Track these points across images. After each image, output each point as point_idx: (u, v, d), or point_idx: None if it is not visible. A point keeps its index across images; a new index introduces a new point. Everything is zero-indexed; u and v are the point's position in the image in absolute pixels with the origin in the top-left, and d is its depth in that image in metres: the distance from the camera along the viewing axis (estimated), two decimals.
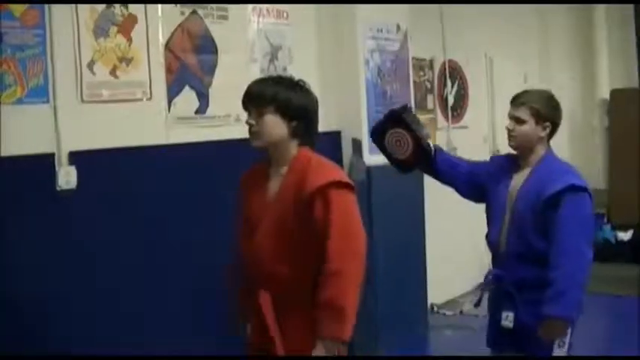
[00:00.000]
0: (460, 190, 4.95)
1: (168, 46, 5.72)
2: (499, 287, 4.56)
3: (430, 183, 7.98)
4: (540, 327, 4.29)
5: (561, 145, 11.58)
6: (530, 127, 4.46)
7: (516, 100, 4.54)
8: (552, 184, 4.32)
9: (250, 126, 3.79)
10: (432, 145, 4.81)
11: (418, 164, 4.90)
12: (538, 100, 4.51)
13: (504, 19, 10.01)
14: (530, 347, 4.46)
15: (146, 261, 5.43)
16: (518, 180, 4.52)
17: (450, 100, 9.16)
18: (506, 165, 4.67)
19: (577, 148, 11.95)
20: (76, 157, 5.04)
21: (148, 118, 5.58)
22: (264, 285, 3.81)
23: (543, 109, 4.48)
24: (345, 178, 3.77)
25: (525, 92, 4.60)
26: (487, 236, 4.69)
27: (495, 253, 4.63)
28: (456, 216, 8.70)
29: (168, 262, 5.56)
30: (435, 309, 8.56)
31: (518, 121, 4.47)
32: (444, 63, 9.05)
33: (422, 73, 8.71)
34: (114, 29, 5.34)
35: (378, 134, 4.91)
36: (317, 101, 3.94)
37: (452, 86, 9.21)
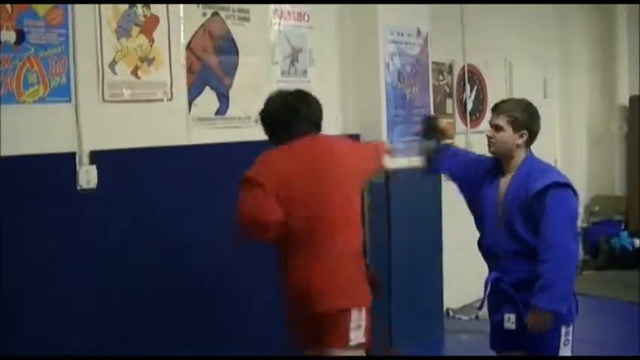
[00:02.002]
0: (455, 179, 5.15)
1: (189, 47, 5.74)
2: (498, 290, 4.65)
3: (448, 187, 8.00)
4: (528, 318, 4.42)
5: (580, 151, 11.63)
6: (507, 134, 4.62)
7: (496, 109, 4.72)
8: (536, 182, 4.48)
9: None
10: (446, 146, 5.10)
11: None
12: (516, 109, 4.66)
13: (524, 24, 9.99)
14: (536, 347, 4.56)
15: (165, 261, 5.45)
16: (503, 185, 4.66)
17: (469, 105, 9.14)
18: (494, 169, 4.79)
19: (595, 154, 11.92)
20: (96, 157, 5.07)
21: (169, 119, 5.60)
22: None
23: (520, 117, 4.63)
24: None
25: (506, 101, 4.80)
26: (481, 241, 4.81)
27: (491, 256, 4.74)
28: (472, 221, 8.70)
29: (188, 262, 5.58)
30: (451, 313, 8.55)
31: (497, 128, 4.64)
32: (464, 67, 9.03)
33: (441, 77, 8.70)
34: (136, 29, 5.37)
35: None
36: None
37: (471, 91, 9.19)
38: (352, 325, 4.33)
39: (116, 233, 5.19)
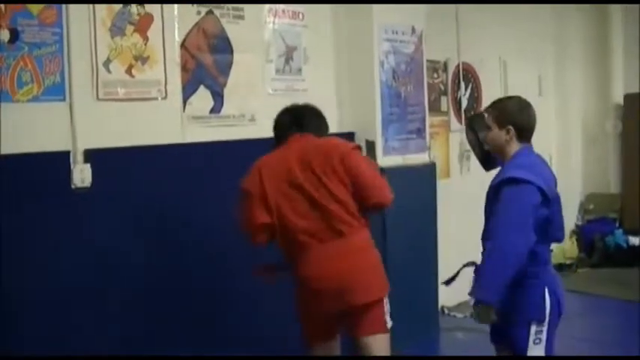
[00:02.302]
0: None
1: (184, 46, 5.74)
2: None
3: (443, 185, 8.01)
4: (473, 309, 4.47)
5: (575, 149, 11.63)
6: (495, 132, 4.65)
7: (486, 108, 4.77)
8: (495, 179, 4.55)
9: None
10: None
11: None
12: (500, 107, 4.70)
13: (519, 22, 9.98)
14: (510, 341, 4.60)
15: (160, 259, 5.45)
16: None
17: (464, 103, 9.14)
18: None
19: (590, 152, 11.93)
20: (91, 155, 5.07)
21: (163, 117, 5.60)
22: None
23: (502, 114, 4.64)
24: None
25: (494, 100, 4.81)
26: None
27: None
28: (468, 219, 8.70)
29: (182, 260, 5.57)
30: (446, 311, 8.55)
31: (487, 127, 4.69)
32: (458, 65, 9.03)
33: (436, 75, 8.70)
34: (130, 28, 5.37)
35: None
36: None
37: (465, 88, 9.19)
38: (386, 310, 4.76)
39: (111, 232, 5.19)
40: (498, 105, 4.72)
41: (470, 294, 4.46)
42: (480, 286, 4.42)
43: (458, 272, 5.01)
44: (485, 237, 4.58)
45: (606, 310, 8.69)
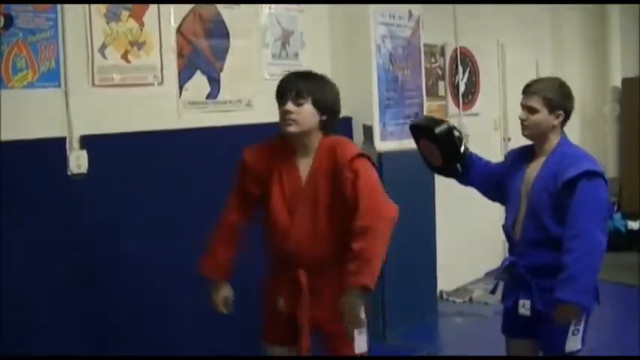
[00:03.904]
0: (490, 195, 4.99)
1: (179, 31, 5.71)
2: (514, 274, 4.55)
3: None
4: (554, 312, 4.28)
5: (572, 133, 11.59)
6: (543, 116, 4.46)
7: (528, 89, 4.53)
8: (567, 170, 4.33)
9: (289, 112, 4.07)
10: (462, 156, 4.81)
11: (444, 174, 5.05)
12: (550, 88, 4.51)
13: (516, 6, 9.97)
14: (545, 334, 4.47)
15: (156, 245, 5.44)
16: (533, 168, 4.53)
17: (462, 87, 9.13)
18: (522, 155, 4.68)
19: (588, 136, 11.91)
20: (87, 142, 5.05)
21: (160, 103, 5.57)
22: (300, 262, 4.11)
23: (555, 98, 4.48)
24: (363, 151, 4.22)
25: (537, 81, 4.63)
26: (503, 225, 4.69)
27: (511, 240, 4.63)
28: (466, 203, 8.68)
29: (178, 246, 5.55)
30: (445, 296, 8.56)
31: (531, 110, 4.47)
32: (456, 49, 9.01)
33: (433, 60, 8.69)
34: (126, 13, 5.33)
35: (415, 131, 4.99)
36: (339, 99, 4.32)
37: (463, 73, 9.18)
38: None
39: (107, 218, 5.17)
40: (555, 87, 4.55)
41: (561, 298, 4.23)
42: (577, 287, 4.22)
43: (499, 278, 4.82)
44: (540, 228, 4.42)
45: (605, 295, 8.64)
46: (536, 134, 4.52)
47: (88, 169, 5.05)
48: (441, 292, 8.46)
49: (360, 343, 4.08)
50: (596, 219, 4.28)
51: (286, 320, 4.20)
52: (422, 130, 4.89)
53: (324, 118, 4.13)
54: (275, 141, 4.29)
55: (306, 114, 4.08)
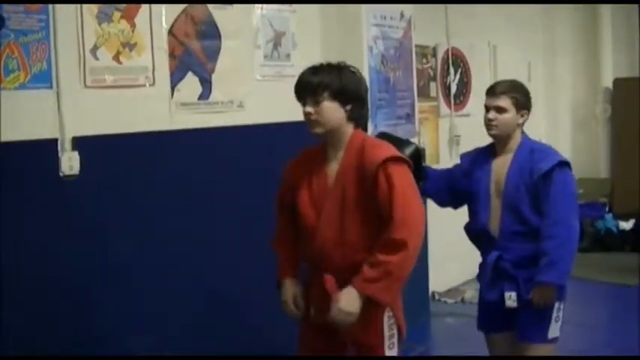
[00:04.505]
0: (442, 201, 5.15)
1: (171, 32, 5.70)
2: (498, 268, 4.69)
3: None
4: (534, 293, 4.51)
5: (564, 133, 11.65)
6: (511, 115, 4.67)
7: (494, 90, 4.74)
8: (540, 163, 4.57)
9: (309, 115, 3.93)
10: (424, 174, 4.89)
11: None
12: (516, 89, 4.74)
13: (508, 7, 9.98)
14: (528, 322, 4.64)
15: (149, 247, 5.43)
16: (500, 165, 4.72)
17: (453, 88, 9.15)
18: (481, 156, 4.87)
19: (580, 137, 11.95)
20: (79, 143, 5.04)
21: (151, 104, 5.56)
22: (328, 267, 3.96)
23: (521, 99, 4.71)
24: (399, 154, 3.98)
25: (501, 83, 4.86)
26: (471, 224, 4.87)
27: (486, 238, 4.77)
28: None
29: (171, 248, 5.56)
30: (437, 297, 8.57)
31: (500, 110, 4.67)
32: (448, 50, 9.03)
33: (425, 61, 8.70)
34: (117, 14, 5.33)
35: None
36: (366, 83, 4.18)
37: (455, 74, 9.19)
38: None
39: (99, 219, 5.16)
40: (518, 88, 4.75)
41: (544, 280, 4.48)
42: (559, 270, 4.47)
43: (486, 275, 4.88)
44: (520, 221, 4.60)
45: (597, 295, 8.72)
46: (504, 133, 4.70)
47: (80, 171, 5.04)
48: (433, 292, 8.48)
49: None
50: (572, 207, 4.58)
51: (319, 329, 4.06)
52: None
53: (348, 108, 3.95)
54: (316, 145, 4.14)
55: (327, 111, 3.91)
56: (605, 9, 12.09)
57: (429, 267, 7.83)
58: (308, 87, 3.95)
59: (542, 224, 4.49)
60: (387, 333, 3.99)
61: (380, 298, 3.79)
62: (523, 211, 4.57)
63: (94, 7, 5.18)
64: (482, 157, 4.84)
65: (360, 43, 7.01)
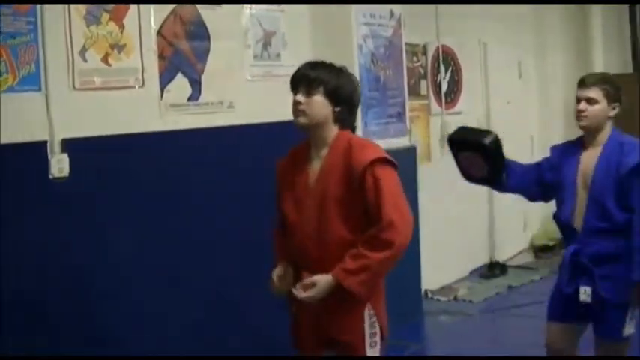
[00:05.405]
0: (532, 196, 5.06)
1: (160, 33, 5.69)
2: (576, 262, 4.62)
3: (423, 167, 8.00)
4: (632, 294, 4.44)
5: (557, 131, 11.64)
6: (602, 106, 4.61)
7: (586, 82, 4.68)
8: (629, 157, 4.49)
9: (298, 104, 3.92)
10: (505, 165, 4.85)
11: (486, 184, 5.12)
12: (607, 81, 4.68)
13: (498, 6, 9.97)
14: (604, 321, 4.59)
15: (138, 249, 5.42)
16: (588, 158, 4.66)
17: (444, 86, 9.13)
18: (570, 149, 4.83)
19: (571, 133, 11.88)
20: (68, 145, 5.04)
21: (141, 106, 5.56)
22: (307, 263, 3.96)
23: (613, 90, 4.64)
24: (388, 156, 3.94)
25: (592, 74, 4.90)
26: (557, 215, 4.79)
27: (569, 230, 4.71)
28: (449, 202, 8.71)
29: (161, 249, 5.55)
30: (430, 295, 8.56)
31: (591, 101, 4.61)
32: (438, 48, 9.02)
33: (415, 59, 8.69)
34: (106, 16, 5.32)
35: (455, 144, 4.97)
36: (359, 92, 4.17)
37: (445, 72, 9.18)
38: None
39: (89, 221, 5.16)
40: (610, 79, 4.70)
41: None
42: None
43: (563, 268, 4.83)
44: (603, 217, 4.53)
45: None
46: (594, 125, 4.64)
47: (69, 173, 5.04)
48: (426, 290, 8.46)
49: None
50: None
51: (304, 325, 4.06)
52: (466, 145, 4.90)
53: (337, 109, 3.94)
54: (302, 143, 4.12)
55: (316, 105, 3.90)
56: (596, 7, 12.10)
57: (421, 265, 7.81)
58: (304, 78, 3.94)
59: (634, 219, 4.41)
60: (368, 331, 3.97)
61: (355, 290, 3.79)
62: (608, 206, 4.50)
63: (82, 9, 5.17)
64: (571, 149, 4.80)
65: (350, 41, 7.01)
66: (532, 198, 5.10)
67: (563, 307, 4.75)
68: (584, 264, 4.58)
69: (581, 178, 4.64)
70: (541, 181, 4.89)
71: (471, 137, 4.92)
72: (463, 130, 4.92)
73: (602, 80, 4.67)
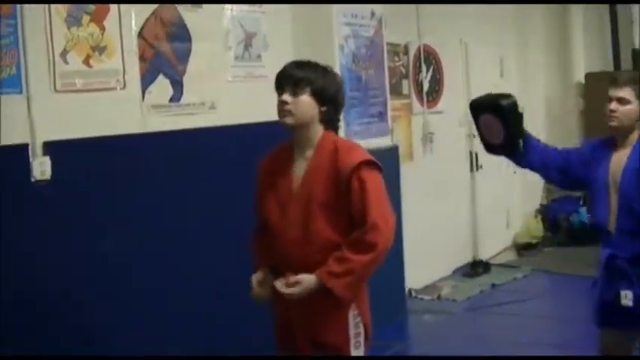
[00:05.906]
0: (551, 178, 5.02)
1: (141, 35, 5.69)
2: (613, 266, 4.59)
3: (406, 167, 8.01)
4: None
5: (539, 128, 11.68)
6: (634, 106, 4.54)
7: (617, 82, 4.61)
8: None
9: (284, 104, 3.88)
10: (524, 133, 4.82)
11: (504, 153, 4.98)
12: (638, 80, 4.60)
13: (480, 5, 10.00)
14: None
15: (120, 250, 5.41)
16: (618, 159, 4.60)
17: (425, 85, 9.15)
18: (602, 147, 4.75)
19: (554, 131, 11.98)
20: (50, 148, 5.02)
21: (123, 107, 5.55)
22: (291, 266, 3.91)
23: None
24: (373, 158, 3.92)
25: (623, 73, 4.77)
26: (590, 217, 4.83)
27: (604, 232, 4.66)
28: (433, 201, 8.72)
29: (144, 249, 5.54)
30: (413, 294, 8.57)
31: (622, 101, 4.55)
32: (419, 48, 9.04)
33: (397, 59, 8.70)
34: (86, 18, 5.31)
35: (475, 108, 4.99)
36: (344, 92, 4.16)
37: (427, 71, 9.20)
38: None
39: (71, 224, 5.14)
40: (635, 79, 4.62)
41: None
42: None
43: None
44: (635, 219, 4.48)
45: (572, 288, 8.74)
46: (625, 125, 4.58)
47: (51, 175, 5.02)
48: (410, 289, 8.48)
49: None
50: None
51: (287, 327, 4.03)
52: (484, 106, 4.91)
53: (323, 109, 3.92)
54: (285, 143, 4.09)
55: (303, 105, 3.87)
56: (577, 6, 12.16)
57: (404, 264, 7.83)
58: (291, 78, 3.90)
59: None
60: (352, 331, 3.96)
61: (340, 294, 3.78)
62: (635, 207, 4.46)
63: (63, 11, 5.15)
64: (603, 148, 4.73)
65: (331, 41, 7.02)
66: (549, 180, 5.11)
67: (607, 314, 4.69)
68: (620, 267, 4.54)
69: (612, 179, 4.59)
70: (566, 171, 4.84)
71: (489, 99, 4.93)
72: (486, 95, 4.91)
73: (635, 80, 4.59)
